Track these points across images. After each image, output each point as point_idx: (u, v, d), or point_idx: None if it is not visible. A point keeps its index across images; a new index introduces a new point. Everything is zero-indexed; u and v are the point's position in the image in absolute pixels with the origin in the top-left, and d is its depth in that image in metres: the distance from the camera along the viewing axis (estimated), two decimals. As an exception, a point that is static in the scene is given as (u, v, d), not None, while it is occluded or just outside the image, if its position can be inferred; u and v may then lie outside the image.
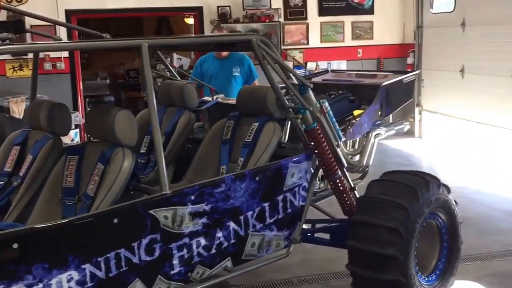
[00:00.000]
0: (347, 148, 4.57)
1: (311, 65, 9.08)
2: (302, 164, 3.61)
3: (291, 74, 3.56)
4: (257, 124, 3.70)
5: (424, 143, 9.49)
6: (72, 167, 3.21)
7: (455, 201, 3.96)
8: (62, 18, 8.33)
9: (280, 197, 3.51)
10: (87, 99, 9.69)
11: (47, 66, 8.41)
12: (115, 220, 2.73)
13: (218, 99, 4.74)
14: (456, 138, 8.66)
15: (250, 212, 3.35)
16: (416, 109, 9.80)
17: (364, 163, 4.35)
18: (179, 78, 4.68)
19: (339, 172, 3.74)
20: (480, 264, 4.56)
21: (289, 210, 3.58)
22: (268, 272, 4.45)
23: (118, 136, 3.04)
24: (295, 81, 3.56)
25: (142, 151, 4.24)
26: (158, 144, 2.94)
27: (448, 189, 3.86)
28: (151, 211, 2.85)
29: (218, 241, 3.20)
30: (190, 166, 3.88)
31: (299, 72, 8.86)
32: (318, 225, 4.09)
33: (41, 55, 8.27)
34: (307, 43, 9.46)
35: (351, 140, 4.52)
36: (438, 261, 3.88)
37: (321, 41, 9.58)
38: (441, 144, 9.02)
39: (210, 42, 4.17)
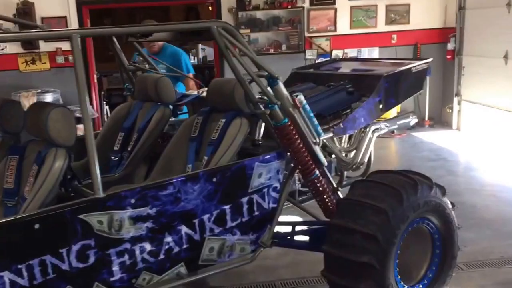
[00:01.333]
0: (343, 144, 4.23)
1: (336, 54, 8.64)
2: (272, 164, 3.29)
3: (261, 65, 3.22)
4: (224, 120, 3.41)
5: (462, 136, 8.89)
6: (12, 168, 3.05)
7: (452, 204, 3.55)
8: (73, 10, 8.25)
9: (245, 199, 3.21)
10: (102, 93, 9.56)
11: (60, 59, 8.32)
12: (36, 226, 2.52)
13: (203, 93, 4.45)
14: (497, 131, 8.05)
15: (207, 216, 3.07)
16: (455, 99, 9.23)
17: (359, 160, 3.98)
18: (159, 71, 4.41)
19: (317, 172, 3.40)
20: (487, 271, 4.12)
21: (257, 213, 3.28)
22: (252, 274, 4.20)
23: (52, 135, 2.82)
24: (264, 73, 3.22)
25: (115, 148, 4.02)
26: (90, 143, 2.68)
27: (443, 191, 3.45)
28: (81, 216, 2.62)
29: (167, 246, 2.95)
30: (156, 164, 3.63)
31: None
32: (298, 228, 3.76)
33: (53, 48, 8.28)
34: (335, 30, 8.99)
35: (346, 136, 4.18)
36: (427, 270, 3.48)
37: (350, 27, 9.08)
38: (480, 137, 8.42)
39: (155, 31, 3.82)
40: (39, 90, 8.07)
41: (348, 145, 4.18)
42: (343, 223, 3.25)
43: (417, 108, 9.41)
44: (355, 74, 4.59)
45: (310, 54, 8.66)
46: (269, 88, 3.20)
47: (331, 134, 3.74)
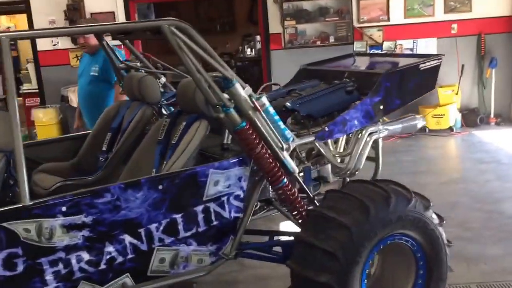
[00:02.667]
0: (339, 148, 3.93)
1: (388, 45, 8.18)
2: (231, 170, 3.08)
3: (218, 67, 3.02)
4: (184, 123, 3.26)
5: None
6: None
7: (441, 218, 3.20)
8: (120, 5, 8.33)
9: (199, 208, 3.03)
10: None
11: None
12: None
13: None
14: None
15: (155, 225, 2.92)
16: (521, 95, 8.51)
17: (352, 166, 3.68)
18: (154, 69, 4.27)
19: (285, 180, 3.15)
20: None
21: (215, 223, 3.09)
22: (242, 284, 4.00)
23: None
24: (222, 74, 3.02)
25: (103, 148, 3.95)
26: (18, 150, 2.59)
27: (425, 205, 3.10)
28: (4, 224, 2.56)
29: (108, 256, 2.83)
30: (125, 167, 3.52)
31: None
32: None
33: (100, 43, 8.39)
34: (388, 20, 8.49)
35: (343, 139, 3.87)
36: (409, 292, 3.16)
37: (405, 16, 8.51)
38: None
39: (100, 31, 3.63)
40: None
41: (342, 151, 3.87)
42: (305, 237, 3.01)
43: (482, 104, 8.76)
44: (357, 71, 4.25)
45: (359, 46, 8.24)
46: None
47: (312, 138, 3.47)
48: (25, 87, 9.53)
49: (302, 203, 3.24)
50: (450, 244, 3.22)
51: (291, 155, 3.31)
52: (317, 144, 3.56)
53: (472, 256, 4.20)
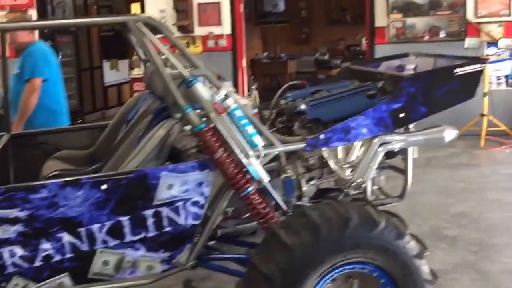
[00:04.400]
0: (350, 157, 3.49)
1: (505, 42, 7.20)
2: (189, 174, 2.85)
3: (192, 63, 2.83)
4: (156, 121, 3.09)
5: None
6: None
7: (423, 247, 2.70)
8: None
9: (149, 212, 2.84)
10: (251, 77, 9.50)
11: (210, 43, 8.50)
12: None
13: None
14: None
15: (97, 226, 2.79)
16: None
17: (358, 179, 3.25)
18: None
19: (249, 189, 2.85)
20: None
21: (168, 229, 2.88)
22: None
23: None
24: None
25: (118, 139, 3.91)
26: None
27: (399, 232, 2.62)
28: None
29: (45, 253, 2.76)
30: (108, 161, 3.43)
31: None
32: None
33: (205, 32, 8.45)
34: (509, 14, 7.51)
35: (356, 147, 3.43)
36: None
37: (531, 11, 7.50)
38: None
39: (66, 25, 3.46)
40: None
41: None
42: (253, 256, 2.70)
43: None
44: (389, 74, 3.73)
45: (472, 43, 7.39)
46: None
47: (302, 145, 3.11)
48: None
49: (270, 216, 2.91)
50: (434, 280, 2.70)
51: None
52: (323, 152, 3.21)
53: None
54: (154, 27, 2.84)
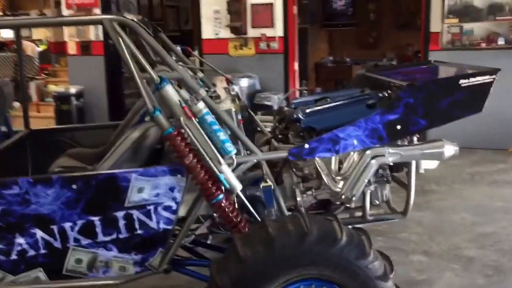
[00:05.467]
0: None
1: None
2: (159, 179, 2.84)
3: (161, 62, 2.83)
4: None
5: None
6: None
7: (391, 265, 2.56)
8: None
9: (120, 214, 2.86)
10: (303, 81, 9.31)
11: (262, 45, 8.43)
12: None
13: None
14: None
15: (69, 224, 2.85)
16: None
17: (347, 192, 3.14)
18: (191, 64, 4.10)
19: (220, 196, 2.81)
20: None
21: (140, 232, 2.89)
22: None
23: None
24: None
25: None
26: None
27: (361, 251, 2.49)
28: None
29: (19, 248, 2.85)
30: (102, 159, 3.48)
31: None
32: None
33: (258, 34, 8.42)
34: None
35: (352, 158, 3.31)
36: None
37: None
38: None
39: (40, 24, 3.43)
40: (242, 75, 8.37)
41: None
42: (213, 266, 2.65)
43: None
44: (396, 83, 3.55)
45: (534, 51, 6.93)
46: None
47: (284, 154, 3.03)
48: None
49: (242, 225, 2.85)
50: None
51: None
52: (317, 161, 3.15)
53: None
54: (129, 27, 2.80)
